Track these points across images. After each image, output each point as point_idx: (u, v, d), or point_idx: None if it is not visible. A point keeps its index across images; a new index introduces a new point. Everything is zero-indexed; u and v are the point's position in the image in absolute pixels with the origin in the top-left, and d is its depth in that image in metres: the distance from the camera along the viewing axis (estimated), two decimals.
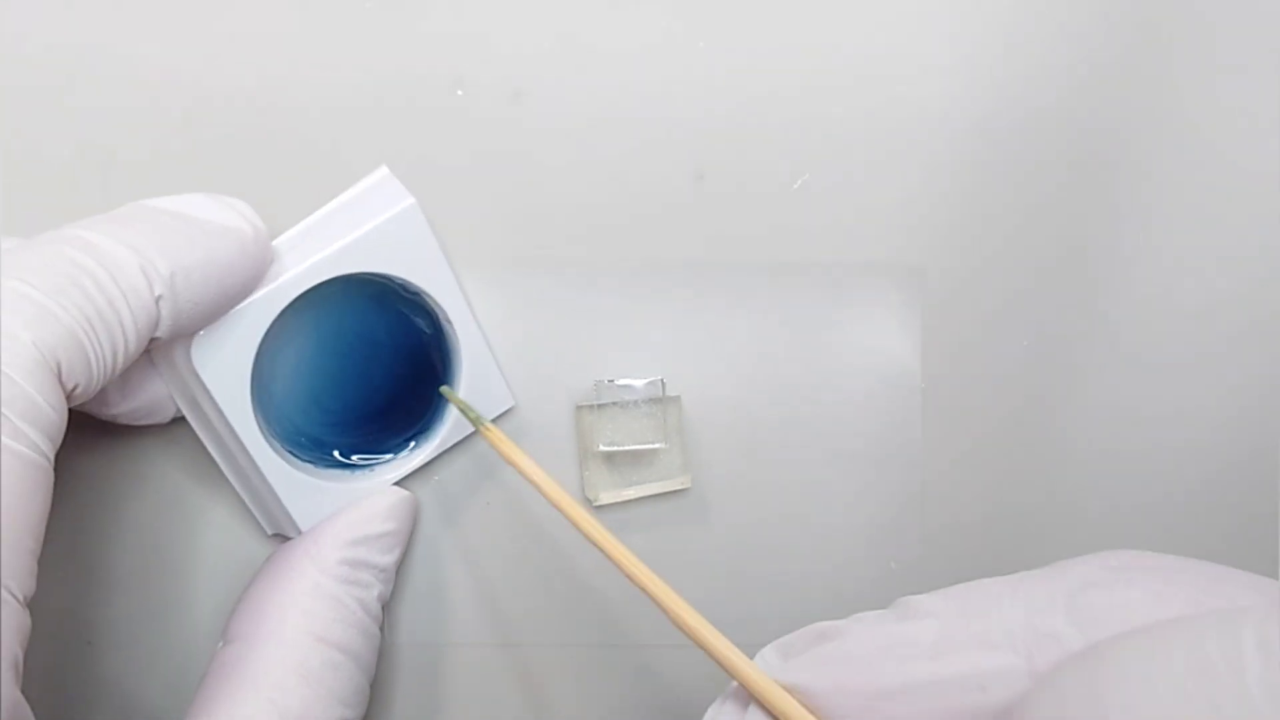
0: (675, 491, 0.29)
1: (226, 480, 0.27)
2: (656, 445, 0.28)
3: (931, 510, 0.30)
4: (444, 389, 0.27)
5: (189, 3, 0.27)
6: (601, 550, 0.24)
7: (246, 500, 0.28)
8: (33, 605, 0.20)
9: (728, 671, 0.23)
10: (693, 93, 0.28)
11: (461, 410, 0.27)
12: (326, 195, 0.27)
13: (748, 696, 0.23)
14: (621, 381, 0.28)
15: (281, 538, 0.28)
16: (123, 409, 0.25)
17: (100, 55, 0.27)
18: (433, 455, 0.28)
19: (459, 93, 0.28)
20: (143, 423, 0.26)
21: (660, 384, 0.28)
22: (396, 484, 0.28)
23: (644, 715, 0.30)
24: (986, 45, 0.29)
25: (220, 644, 0.25)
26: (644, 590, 0.24)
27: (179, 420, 0.27)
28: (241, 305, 0.24)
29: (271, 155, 0.28)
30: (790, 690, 0.22)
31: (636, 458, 0.29)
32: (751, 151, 0.29)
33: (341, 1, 0.28)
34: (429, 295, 0.27)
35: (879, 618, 0.22)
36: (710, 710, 0.24)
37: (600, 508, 0.29)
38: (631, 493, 0.29)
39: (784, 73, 0.28)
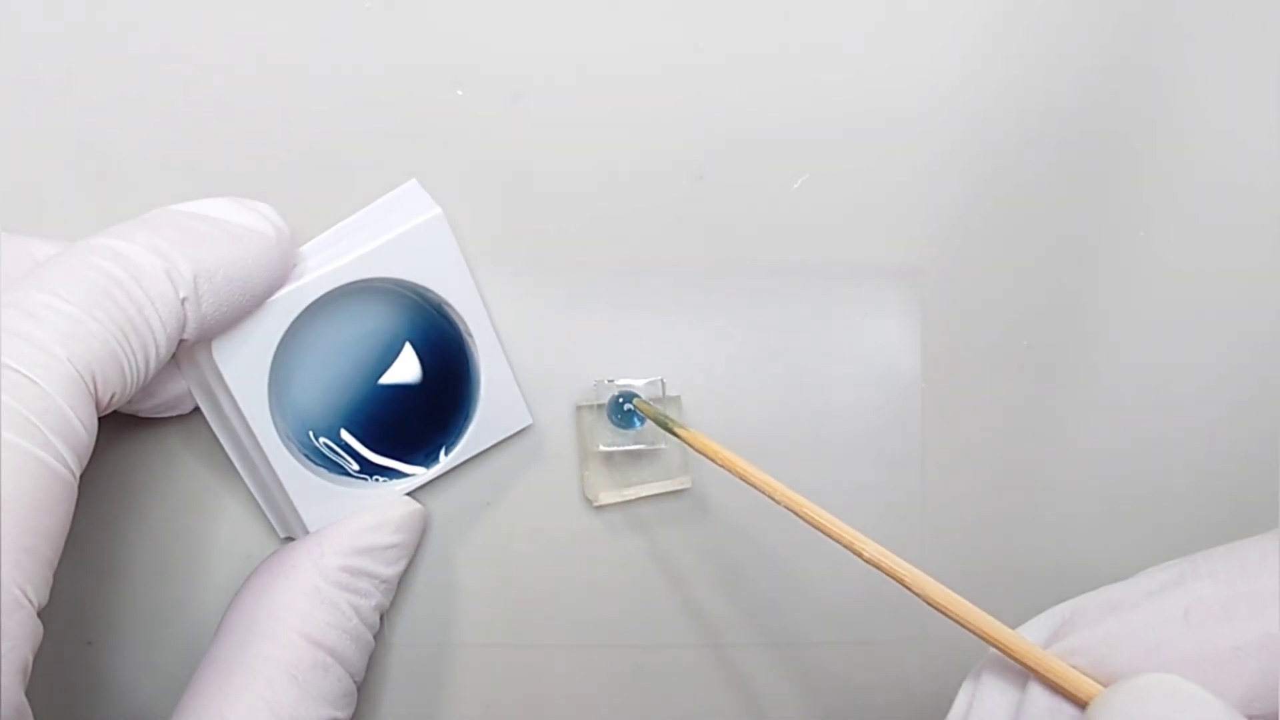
0: (675, 491, 0.29)
1: (239, 477, 0.28)
2: (656, 445, 0.28)
3: (931, 510, 0.30)
4: (637, 401, 0.27)
5: (185, 3, 0.28)
6: (825, 532, 0.23)
7: (260, 501, 0.28)
8: None
9: (1007, 652, 0.21)
10: (693, 93, 0.28)
11: (657, 420, 0.27)
12: (324, 195, 0.27)
13: (1011, 671, 0.21)
14: (621, 381, 0.28)
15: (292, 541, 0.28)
16: (145, 405, 0.26)
17: (102, 56, 0.27)
18: (448, 468, 0.28)
19: (459, 93, 0.28)
20: (163, 415, 0.26)
21: (660, 384, 0.28)
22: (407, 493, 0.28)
23: (643, 715, 0.30)
24: (986, 45, 0.29)
25: (214, 637, 0.25)
26: (886, 570, 0.22)
27: (196, 412, 0.27)
28: (264, 304, 0.25)
29: (267, 157, 0.28)
30: (1081, 670, 0.21)
31: (636, 458, 0.29)
32: (751, 151, 0.29)
33: (341, 2, 0.28)
34: (451, 307, 0.27)
35: (1155, 583, 0.21)
36: (966, 686, 0.22)
37: (600, 508, 0.29)
38: (631, 493, 0.29)
39: (784, 73, 0.28)
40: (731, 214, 0.29)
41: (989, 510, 0.30)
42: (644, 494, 0.29)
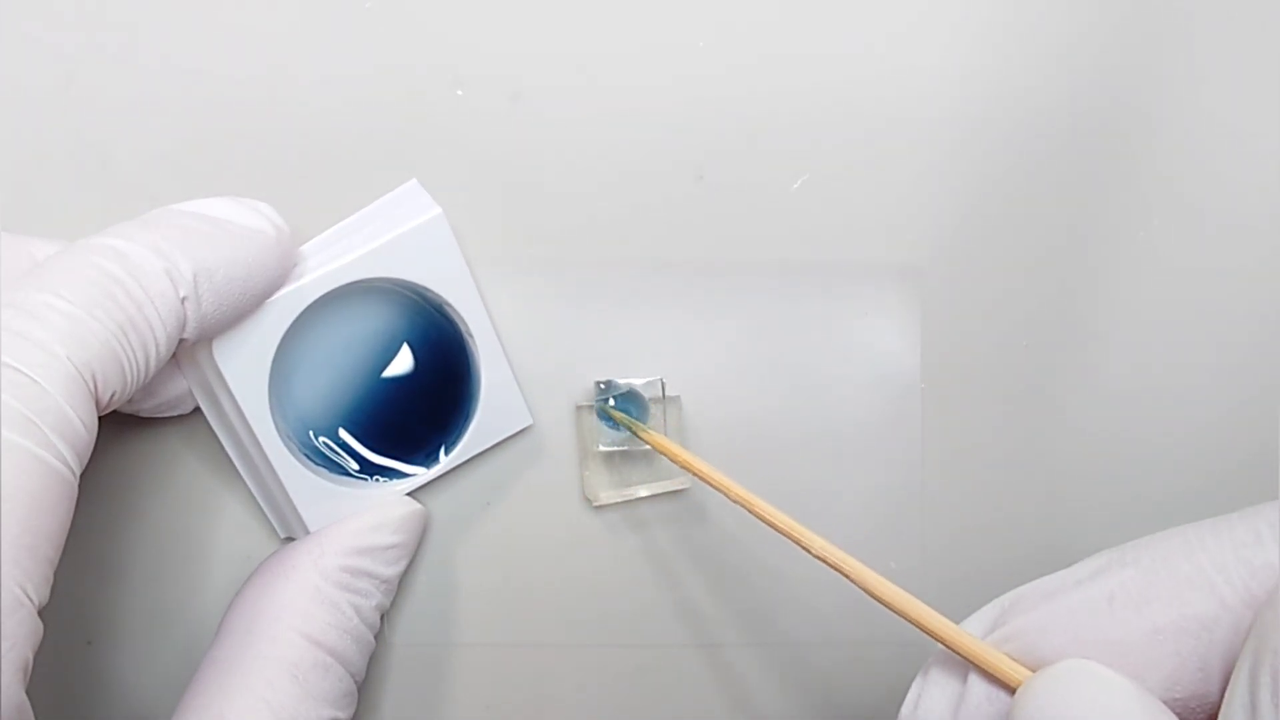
0: (674, 492, 0.29)
1: (239, 477, 0.28)
2: None
3: (931, 510, 0.30)
4: (602, 406, 0.28)
5: (184, 4, 0.28)
6: (782, 532, 0.24)
7: (260, 501, 0.28)
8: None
9: (946, 644, 0.22)
10: (693, 93, 0.28)
11: (625, 424, 0.28)
12: (324, 195, 0.27)
13: (954, 665, 0.22)
14: (622, 381, 0.28)
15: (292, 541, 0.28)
16: (146, 404, 0.26)
17: (103, 56, 0.27)
18: (449, 468, 0.28)
19: (459, 93, 0.28)
20: (163, 415, 0.26)
21: (660, 384, 0.28)
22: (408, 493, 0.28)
23: (643, 715, 0.30)
24: (985, 46, 0.29)
25: (215, 637, 0.25)
26: (834, 566, 0.23)
27: (196, 412, 0.27)
28: (264, 304, 0.25)
29: (267, 157, 0.28)
30: (1015, 657, 0.21)
31: (636, 458, 0.29)
32: (751, 151, 0.29)
33: (340, 2, 0.28)
34: (452, 307, 0.27)
35: (1086, 571, 0.21)
36: (916, 681, 0.23)
37: (600, 508, 0.29)
38: (631, 493, 0.29)
39: (784, 73, 0.28)
40: (732, 214, 0.29)
41: (989, 510, 0.30)
42: (643, 494, 0.29)
